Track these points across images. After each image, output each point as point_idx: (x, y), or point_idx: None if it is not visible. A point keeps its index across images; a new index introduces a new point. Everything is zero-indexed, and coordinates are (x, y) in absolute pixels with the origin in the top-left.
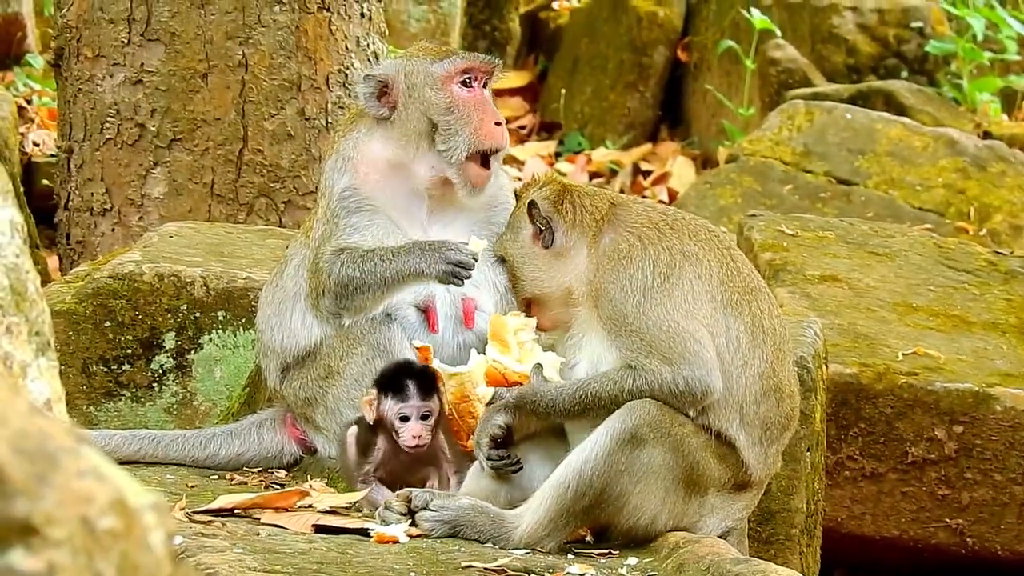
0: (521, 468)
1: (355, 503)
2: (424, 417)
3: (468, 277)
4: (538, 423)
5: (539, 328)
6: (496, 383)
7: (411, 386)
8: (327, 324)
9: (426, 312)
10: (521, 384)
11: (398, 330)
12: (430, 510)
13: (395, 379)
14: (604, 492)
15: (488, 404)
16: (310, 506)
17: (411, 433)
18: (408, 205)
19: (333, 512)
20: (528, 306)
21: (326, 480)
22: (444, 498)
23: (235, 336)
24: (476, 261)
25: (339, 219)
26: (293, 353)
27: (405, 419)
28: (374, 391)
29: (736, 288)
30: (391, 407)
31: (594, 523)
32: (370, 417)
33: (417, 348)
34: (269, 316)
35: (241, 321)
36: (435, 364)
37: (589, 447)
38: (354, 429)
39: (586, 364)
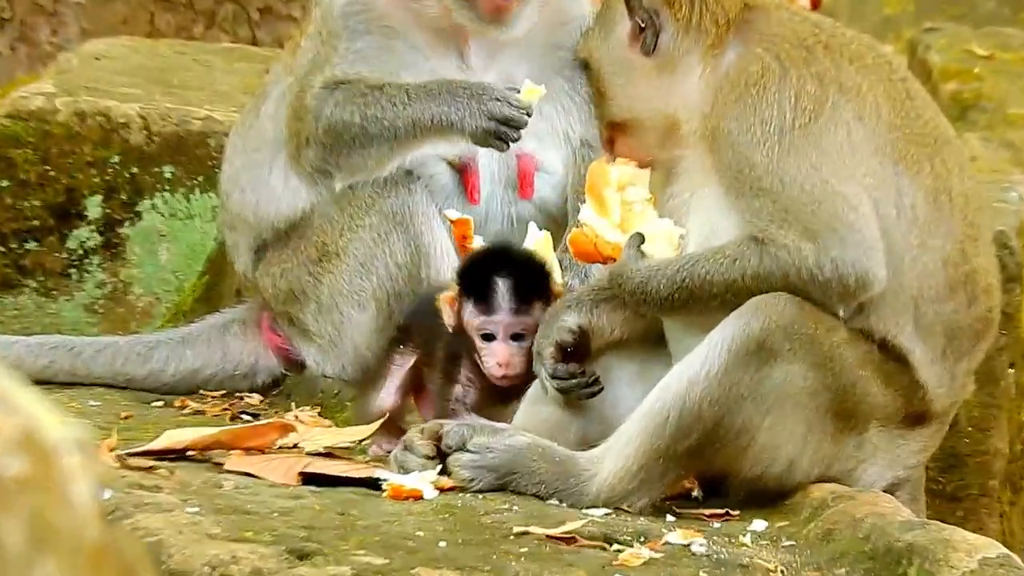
0: (601, 390)
1: (364, 441)
2: (517, 337)
3: (516, 139)
4: (626, 325)
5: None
6: (584, 256)
7: (500, 290)
8: (319, 185)
9: (463, 172)
10: (613, 260)
11: (423, 195)
12: (469, 451)
13: (477, 276)
14: (719, 426)
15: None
16: (296, 446)
17: (496, 358)
18: (440, 29)
19: (329, 455)
20: (612, 137)
21: (319, 409)
22: (489, 434)
23: (188, 202)
24: (529, 116)
25: (338, 41)
26: (272, 226)
27: (489, 337)
28: (455, 286)
29: (913, 136)
30: (472, 317)
31: (704, 471)
32: (449, 322)
33: (451, 221)
34: (239, 172)
35: (197, 180)
36: (478, 246)
37: (698, 361)
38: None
39: (695, 236)
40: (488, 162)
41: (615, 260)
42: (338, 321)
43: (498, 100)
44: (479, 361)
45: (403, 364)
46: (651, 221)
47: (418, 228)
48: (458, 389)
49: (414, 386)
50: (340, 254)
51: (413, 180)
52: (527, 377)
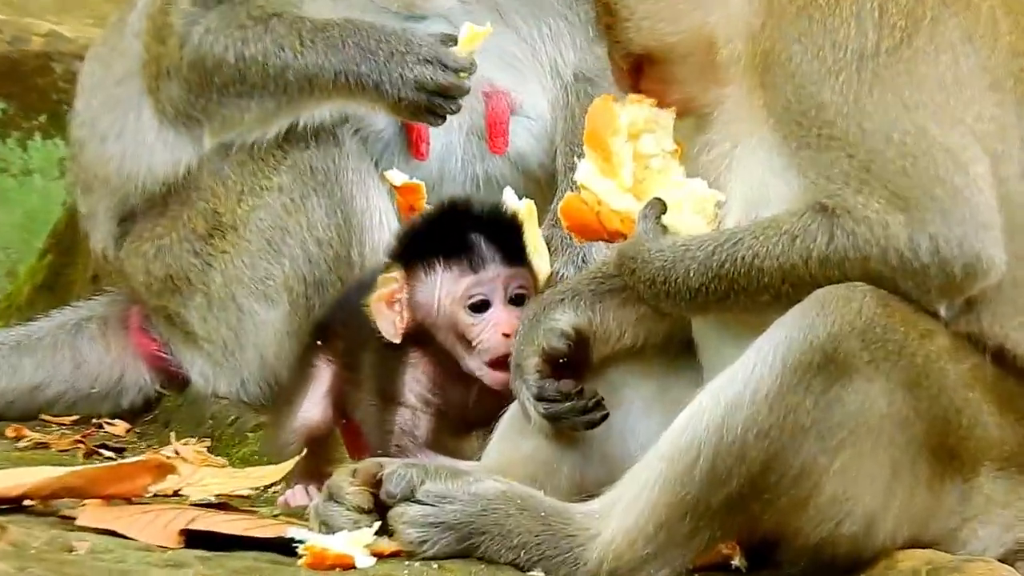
0: (605, 417)
1: (272, 487)
2: (515, 300)
3: (454, 111)
4: (640, 327)
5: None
6: (582, 231)
7: (482, 240)
8: (191, 134)
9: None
10: (623, 237)
11: (354, 146)
12: (419, 502)
13: (443, 231)
14: (770, 470)
15: (546, 286)
16: (177, 494)
17: (501, 328)
18: None
19: (223, 506)
20: (628, 74)
21: (209, 442)
22: (448, 478)
23: (24, 151)
24: (471, 73)
25: None
26: (144, 187)
27: (481, 307)
28: (396, 268)
29: None
30: (452, 284)
31: (749, 532)
32: (392, 329)
33: (395, 187)
34: (97, 113)
35: (36, 121)
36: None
37: (741, 378)
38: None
39: (739, 203)
40: None
41: (626, 237)
42: (235, 320)
43: (428, 63)
44: (462, 358)
45: (325, 372)
46: (676, 182)
47: (347, 192)
48: (404, 415)
49: (337, 412)
50: (238, 227)
51: (340, 125)
52: (494, 413)
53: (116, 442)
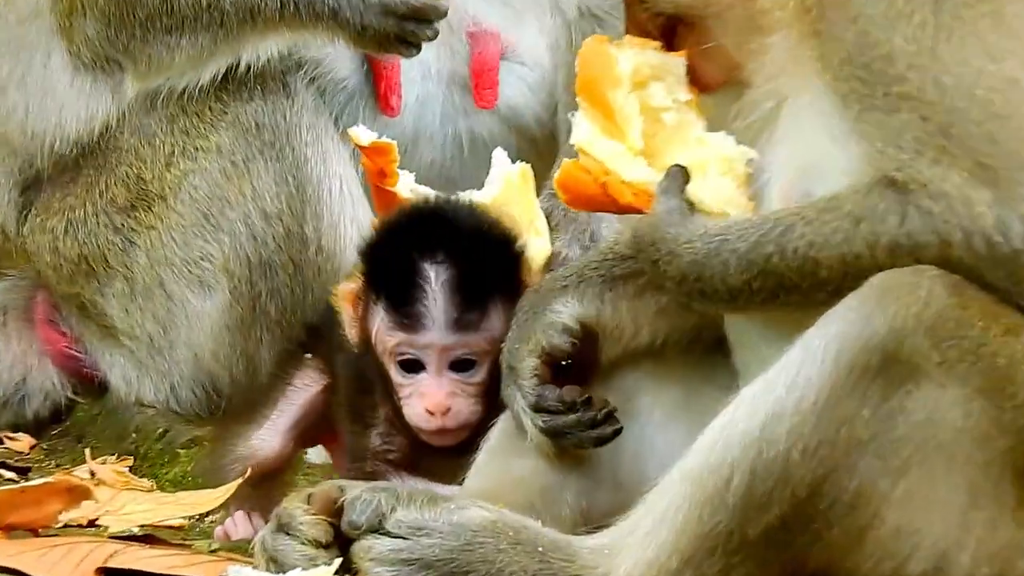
0: (618, 432)
1: (209, 516)
2: (461, 366)
3: (430, 37)
4: (660, 321)
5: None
6: (585, 203)
7: (431, 287)
8: (110, 82)
9: (375, 64)
10: (636, 211)
11: (309, 98)
12: (388, 534)
13: (392, 260)
14: (819, 495)
15: (544, 270)
16: (93, 524)
17: (424, 403)
18: None
19: (149, 539)
20: (669, 40)
21: (131, 460)
22: (424, 506)
23: None
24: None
25: None
26: (51, 148)
27: (412, 367)
28: (356, 274)
29: None
30: (386, 332)
31: (793, 570)
32: (350, 331)
33: (360, 148)
34: None
35: None
36: (404, 186)
37: (783, 384)
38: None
39: (784, 174)
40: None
41: (639, 211)
42: (164, 311)
43: None
44: (398, 405)
45: (305, 388)
46: (696, 139)
47: (300, 154)
48: (377, 431)
49: (324, 427)
50: (167, 197)
51: (292, 73)
52: (479, 427)
53: (18, 460)
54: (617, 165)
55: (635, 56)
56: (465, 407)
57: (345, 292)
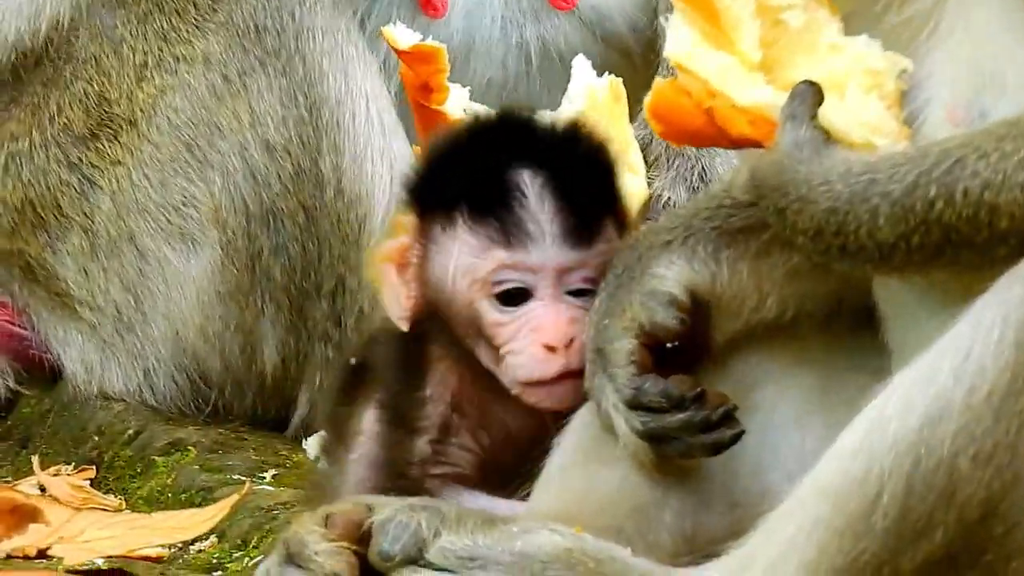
0: (738, 437)
1: (197, 542)
2: (579, 294)
3: None
4: (791, 287)
5: None
6: (686, 136)
7: (533, 193)
8: None
9: None
10: (754, 144)
11: (324, 4)
12: (432, 567)
13: (477, 167)
14: (994, 514)
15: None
16: (44, 554)
17: (542, 337)
18: None
19: (120, 574)
20: None
21: (93, 470)
22: (478, 529)
23: None
24: None
25: None
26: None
27: (516, 297)
28: (408, 211)
29: None
30: (477, 256)
31: None
32: (396, 307)
33: (398, 53)
34: None
35: None
36: (455, 104)
37: (948, 368)
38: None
39: (956, 88)
40: None
41: (759, 144)
42: (135, 273)
43: None
44: (490, 361)
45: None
46: (830, 45)
47: (314, 65)
48: (424, 437)
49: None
50: (138, 122)
51: None
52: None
53: None
54: (727, 84)
55: None
56: (580, 352)
57: (386, 251)
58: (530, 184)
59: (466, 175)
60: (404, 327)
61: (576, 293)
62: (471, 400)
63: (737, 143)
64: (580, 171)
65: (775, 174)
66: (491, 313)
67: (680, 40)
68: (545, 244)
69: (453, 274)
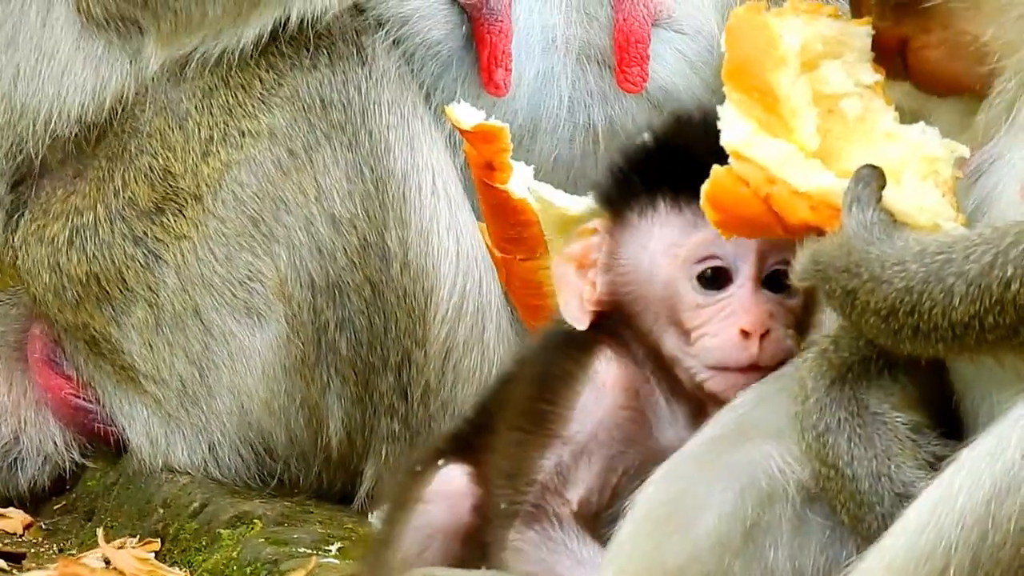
0: None
1: None
2: (771, 282)
3: None
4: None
5: (913, 82)
6: (742, 225)
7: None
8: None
9: (479, 23)
10: (814, 231)
11: (391, 72)
12: None
13: (685, 149)
14: None
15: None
16: None
17: (738, 323)
18: None
19: None
20: (903, 41)
21: (158, 543)
22: None
23: None
24: None
25: None
26: (50, 129)
27: (716, 279)
28: (601, 214)
29: None
30: (670, 237)
31: None
32: (576, 306)
33: (462, 132)
34: None
35: None
36: (519, 183)
37: (1017, 444)
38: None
39: None
40: (540, 1)
41: (818, 230)
42: (200, 347)
43: None
44: (673, 354)
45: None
46: (887, 133)
47: (380, 140)
48: (559, 454)
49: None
50: (203, 197)
51: (368, 33)
52: None
53: (9, 544)
54: (786, 170)
55: (803, 27)
56: (783, 337)
57: (566, 260)
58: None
59: (668, 160)
60: (582, 325)
61: (773, 284)
62: (633, 416)
63: (793, 231)
64: None
65: (843, 255)
66: (690, 294)
67: (737, 129)
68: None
69: (652, 257)
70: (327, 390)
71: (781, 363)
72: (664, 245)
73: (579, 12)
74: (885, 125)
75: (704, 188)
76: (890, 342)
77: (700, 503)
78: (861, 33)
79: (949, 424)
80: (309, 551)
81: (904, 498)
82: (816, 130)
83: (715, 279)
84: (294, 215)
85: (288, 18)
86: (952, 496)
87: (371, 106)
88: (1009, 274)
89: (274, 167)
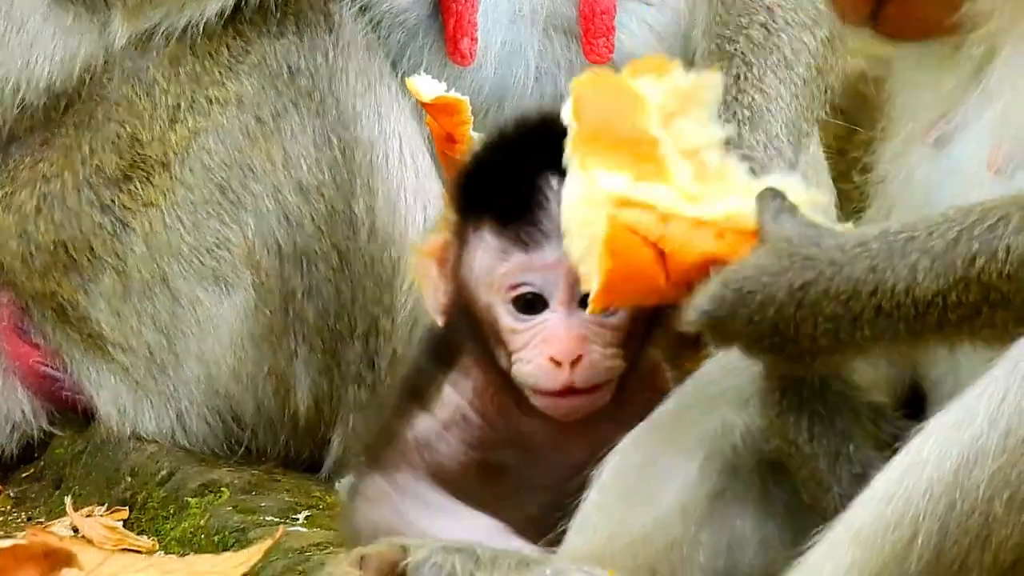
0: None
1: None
2: (586, 304)
3: None
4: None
5: (880, 30)
6: (635, 291)
7: (552, 187)
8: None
9: None
10: (704, 274)
11: (358, 40)
12: None
13: (511, 164)
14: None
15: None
16: None
17: (548, 351)
18: None
19: None
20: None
21: (126, 511)
22: (511, 571)
23: None
24: None
25: None
26: (19, 100)
27: (531, 304)
28: (448, 208)
29: None
30: (487, 261)
31: None
32: (432, 301)
33: (423, 104)
34: None
35: None
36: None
37: (983, 412)
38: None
39: (999, 142)
40: None
41: (716, 263)
42: (168, 315)
43: None
44: (506, 365)
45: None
46: (748, 186)
47: (347, 108)
48: (425, 423)
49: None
50: (171, 165)
51: (337, 0)
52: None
53: None
54: (678, 207)
55: (658, 83)
56: (600, 359)
57: (430, 247)
58: (554, 188)
59: (495, 180)
60: (440, 321)
61: (586, 305)
62: (489, 404)
63: (680, 280)
64: None
65: (780, 259)
66: (506, 318)
67: (614, 181)
68: (562, 244)
69: (477, 276)
70: (294, 358)
71: (607, 382)
72: (485, 266)
73: None
74: (744, 177)
75: (600, 243)
76: (847, 332)
77: (665, 472)
78: (713, 83)
79: (913, 406)
80: (277, 519)
81: (862, 478)
82: (692, 176)
83: (530, 304)
84: (261, 182)
85: None
86: (920, 465)
87: (338, 73)
88: (974, 250)
89: (241, 135)
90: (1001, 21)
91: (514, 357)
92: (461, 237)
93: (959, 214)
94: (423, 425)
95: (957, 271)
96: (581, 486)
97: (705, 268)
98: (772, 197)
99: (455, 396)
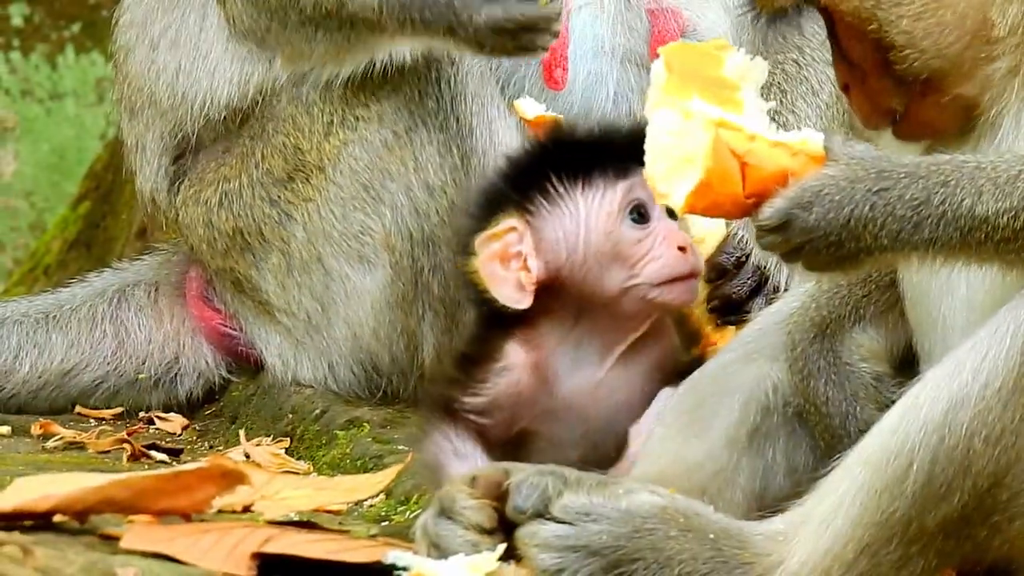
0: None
1: (370, 501)
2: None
3: (543, 47)
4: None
5: (898, 135)
6: (717, 201)
7: (616, 147)
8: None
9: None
10: (776, 186)
11: (474, 71)
12: (555, 520)
13: (567, 145)
14: (1000, 484)
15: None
16: (248, 509)
17: (676, 242)
18: None
19: (308, 525)
20: (908, 109)
21: (287, 442)
22: (592, 490)
23: (53, 71)
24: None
25: None
26: (205, 113)
27: (644, 215)
28: (506, 215)
29: None
30: (597, 202)
31: (972, 561)
32: (516, 292)
33: (526, 121)
34: (150, 13)
35: (69, 30)
36: None
37: (968, 367)
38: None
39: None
40: (592, 16)
41: (779, 183)
42: (322, 287)
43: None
44: (624, 282)
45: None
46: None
47: (465, 124)
48: (475, 399)
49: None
50: (325, 168)
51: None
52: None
53: (170, 442)
54: (760, 131)
55: (729, 58)
56: (694, 256)
57: (490, 259)
58: (605, 142)
59: (560, 155)
60: (525, 304)
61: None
62: (540, 376)
63: (753, 196)
64: (623, 135)
65: (856, 171)
66: (630, 233)
67: (711, 109)
68: (638, 169)
69: (586, 222)
70: (422, 321)
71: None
72: (595, 209)
73: (623, 25)
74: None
75: (701, 153)
76: (909, 237)
77: (714, 412)
78: (762, 67)
79: (910, 375)
80: (406, 448)
81: (866, 433)
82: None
83: (642, 215)
84: (397, 183)
85: (373, 62)
86: (917, 407)
87: (458, 96)
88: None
89: (381, 145)
90: (1006, 97)
91: (643, 262)
92: (537, 218)
93: (1019, 160)
94: (475, 396)
95: (1014, 200)
96: (610, 444)
97: (778, 181)
98: (831, 136)
99: (508, 370)
